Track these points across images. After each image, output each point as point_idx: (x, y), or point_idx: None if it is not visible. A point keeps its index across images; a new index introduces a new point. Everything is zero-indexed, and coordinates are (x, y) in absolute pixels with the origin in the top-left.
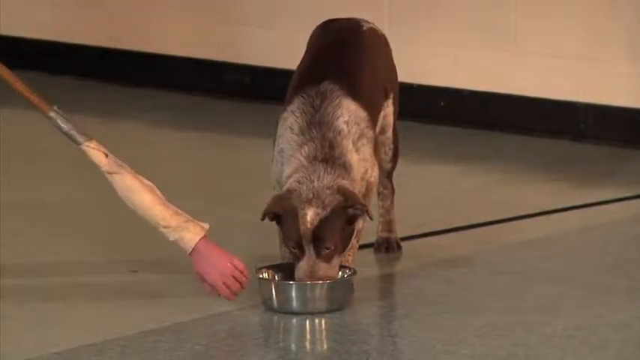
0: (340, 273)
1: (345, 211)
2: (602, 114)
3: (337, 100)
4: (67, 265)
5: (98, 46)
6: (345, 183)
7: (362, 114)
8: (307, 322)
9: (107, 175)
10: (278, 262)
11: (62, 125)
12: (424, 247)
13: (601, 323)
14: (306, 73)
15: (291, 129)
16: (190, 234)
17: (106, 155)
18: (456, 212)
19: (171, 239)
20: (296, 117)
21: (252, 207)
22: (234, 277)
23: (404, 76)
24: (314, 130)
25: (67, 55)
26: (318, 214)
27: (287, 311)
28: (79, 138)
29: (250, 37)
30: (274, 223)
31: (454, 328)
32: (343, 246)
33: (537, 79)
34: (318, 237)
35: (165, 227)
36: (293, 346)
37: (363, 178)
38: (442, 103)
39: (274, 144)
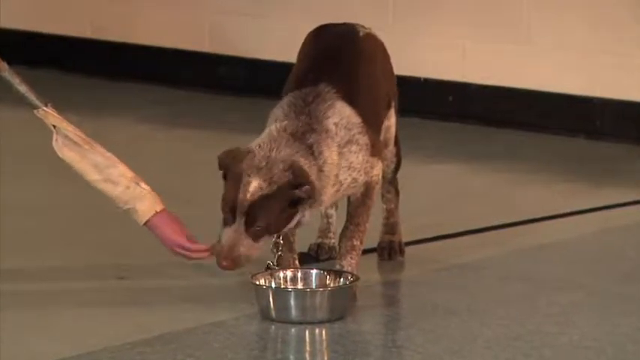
0: (342, 280)
1: (291, 192)
2: (620, 110)
3: (330, 102)
4: (49, 270)
5: (82, 37)
6: (301, 161)
7: (355, 120)
8: (306, 332)
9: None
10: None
11: (18, 87)
12: (430, 252)
13: (619, 333)
14: (302, 77)
15: (276, 119)
16: (145, 205)
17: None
18: (464, 214)
19: (122, 207)
20: (283, 108)
21: None
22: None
23: (409, 70)
24: (301, 117)
25: (49, 46)
26: (261, 188)
27: (285, 320)
28: (37, 102)
29: (244, 27)
30: None
31: (462, 338)
32: (277, 228)
33: (550, 73)
34: (253, 212)
35: (120, 194)
36: (291, 357)
37: (354, 186)
38: (450, 99)
39: None
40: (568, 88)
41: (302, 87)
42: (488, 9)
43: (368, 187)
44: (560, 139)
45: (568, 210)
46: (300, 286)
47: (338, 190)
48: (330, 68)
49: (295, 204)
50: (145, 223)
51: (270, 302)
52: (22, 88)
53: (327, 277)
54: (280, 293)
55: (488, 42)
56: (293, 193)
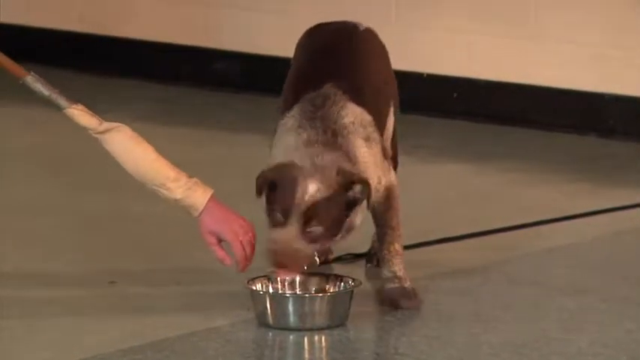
0: (343, 284)
1: (347, 195)
2: (632, 107)
3: (341, 103)
4: (38, 275)
5: (72, 32)
6: (346, 165)
7: (367, 117)
8: (305, 338)
9: (99, 137)
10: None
11: (42, 90)
12: (435, 256)
13: (631, 340)
14: (304, 77)
15: (290, 129)
16: (201, 189)
17: (94, 117)
18: (469, 216)
19: (178, 197)
20: (296, 118)
21: (246, 210)
22: (248, 239)
23: (413, 65)
24: (316, 122)
25: (42, 41)
26: (319, 190)
27: (283, 327)
28: (63, 102)
29: (241, 21)
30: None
31: (468, 344)
32: (333, 232)
33: (560, 69)
34: (310, 213)
35: (174, 181)
36: None
37: (377, 189)
38: (455, 95)
39: (270, 152)
40: (578, 84)
41: (305, 87)
42: (495, 2)
43: (389, 191)
44: (570, 138)
45: (578, 211)
46: (298, 291)
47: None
48: (334, 65)
49: (351, 206)
50: (203, 210)
51: (267, 308)
52: (46, 92)
53: (327, 281)
54: (278, 299)
55: (495, 36)
56: (348, 196)
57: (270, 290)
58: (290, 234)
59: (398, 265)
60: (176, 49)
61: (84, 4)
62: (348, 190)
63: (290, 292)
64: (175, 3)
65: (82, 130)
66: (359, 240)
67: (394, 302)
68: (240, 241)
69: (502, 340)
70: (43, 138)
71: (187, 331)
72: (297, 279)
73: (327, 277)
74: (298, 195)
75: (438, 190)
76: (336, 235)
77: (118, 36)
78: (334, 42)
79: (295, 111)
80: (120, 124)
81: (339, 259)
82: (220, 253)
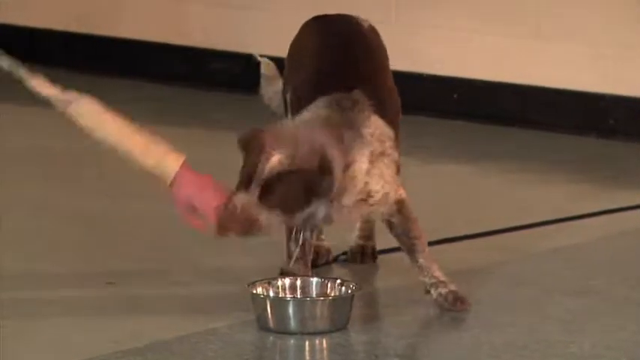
0: (344, 288)
1: (310, 179)
2: (633, 108)
3: (367, 113)
4: (34, 275)
5: (66, 31)
6: (330, 152)
7: (389, 132)
8: (306, 342)
9: (66, 109)
10: (274, 275)
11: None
12: (435, 256)
13: (633, 342)
14: (327, 77)
15: (314, 109)
16: (172, 158)
17: (56, 87)
18: (469, 217)
19: (149, 167)
20: (320, 107)
21: None
22: (227, 215)
23: (412, 65)
24: (338, 115)
25: (33, 41)
26: (280, 163)
27: (284, 331)
28: (24, 74)
29: (239, 20)
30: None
31: (469, 346)
32: (289, 209)
33: (561, 69)
34: (269, 185)
35: (144, 151)
36: None
37: (386, 202)
38: (454, 95)
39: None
40: (579, 84)
41: (330, 87)
42: (495, 2)
43: (400, 204)
44: (571, 138)
45: (579, 212)
46: (299, 294)
47: (366, 201)
48: (355, 71)
49: (311, 192)
50: (173, 180)
51: (268, 312)
52: (6, 64)
53: (328, 285)
54: (278, 302)
55: (495, 36)
56: (312, 181)
57: (271, 294)
58: (249, 202)
59: (437, 270)
60: (171, 49)
61: (80, 4)
62: (315, 176)
63: (291, 296)
64: (171, 3)
65: (46, 100)
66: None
67: (451, 305)
68: (214, 209)
69: (503, 341)
70: (41, 138)
71: (185, 333)
72: (298, 283)
73: (328, 281)
74: (261, 163)
75: (439, 191)
76: (292, 214)
77: (113, 36)
78: (348, 41)
79: (321, 102)
80: (84, 95)
81: (336, 260)
82: (195, 222)
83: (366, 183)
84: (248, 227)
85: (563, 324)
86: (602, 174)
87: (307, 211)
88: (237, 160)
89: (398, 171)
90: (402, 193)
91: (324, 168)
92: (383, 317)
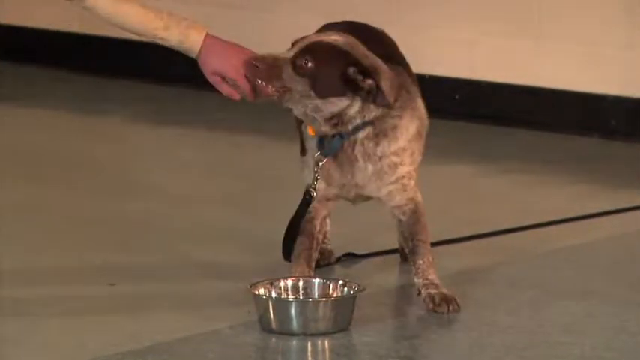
0: (346, 289)
1: (353, 70)
2: (634, 109)
3: (415, 89)
4: (35, 275)
5: (68, 32)
6: (391, 72)
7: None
8: (308, 343)
9: (83, 5)
10: (273, 276)
11: None
12: (436, 258)
13: (634, 343)
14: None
15: None
16: (195, 31)
17: None
18: (471, 218)
19: (174, 42)
20: None
21: (246, 213)
22: (253, 63)
23: (415, 66)
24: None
25: (35, 41)
26: (334, 40)
27: (286, 332)
28: None
29: (239, 19)
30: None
31: (469, 348)
32: (320, 85)
33: (562, 70)
34: (309, 49)
35: (165, 29)
36: None
37: (405, 187)
38: (457, 96)
39: None
40: (580, 85)
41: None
42: (497, 3)
43: (416, 207)
44: (572, 139)
45: (581, 213)
46: (301, 295)
47: (380, 172)
48: (388, 53)
49: (347, 83)
50: (200, 50)
51: (270, 313)
52: None
53: (330, 286)
54: (281, 303)
55: (497, 37)
56: (353, 72)
57: (273, 295)
58: (282, 57)
59: (433, 274)
60: (169, 49)
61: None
62: (359, 72)
63: (293, 296)
64: (168, 3)
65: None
66: (358, 241)
67: (436, 306)
68: (244, 74)
69: (504, 343)
70: (43, 138)
71: (187, 334)
72: (300, 283)
73: (331, 282)
74: (314, 36)
75: (440, 192)
76: (320, 94)
77: (111, 36)
78: (376, 32)
79: None
80: None
81: (338, 261)
82: (226, 89)
83: (403, 149)
84: (273, 75)
85: (564, 325)
86: (604, 175)
87: (338, 102)
88: (239, 160)
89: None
90: (419, 195)
91: (372, 68)
92: (385, 318)
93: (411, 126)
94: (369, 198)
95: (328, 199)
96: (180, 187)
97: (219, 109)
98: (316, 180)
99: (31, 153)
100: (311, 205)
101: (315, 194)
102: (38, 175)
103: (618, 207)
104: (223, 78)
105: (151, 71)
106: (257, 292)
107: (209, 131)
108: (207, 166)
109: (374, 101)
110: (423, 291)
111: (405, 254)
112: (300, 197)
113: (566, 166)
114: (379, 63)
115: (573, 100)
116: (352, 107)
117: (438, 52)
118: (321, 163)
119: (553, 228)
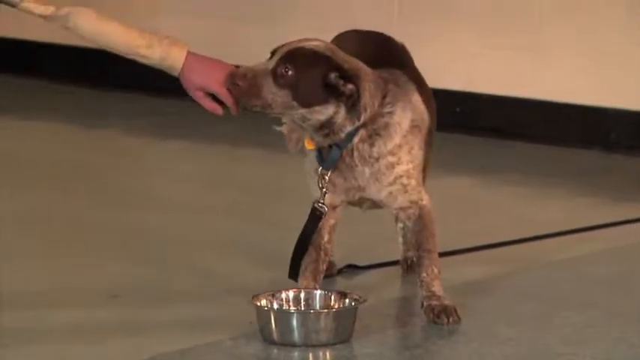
0: (347, 300)
1: (334, 75)
2: (635, 121)
3: (412, 86)
4: (34, 286)
5: (67, 45)
6: (372, 75)
7: (427, 119)
8: (310, 354)
9: (64, 23)
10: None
11: None
12: (440, 275)
13: (635, 354)
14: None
15: None
16: (177, 48)
17: (49, 4)
18: (471, 230)
19: (156, 60)
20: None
21: (248, 225)
22: (233, 81)
23: None
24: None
25: (35, 54)
26: (314, 46)
27: (287, 343)
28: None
29: (242, 33)
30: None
31: (471, 359)
32: (302, 93)
33: (563, 83)
34: (289, 57)
35: (147, 48)
36: None
37: (410, 206)
38: (457, 109)
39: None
40: (581, 98)
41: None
42: (499, 15)
43: (422, 211)
44: (574, 152)
45: (581, 225)
46: (303, 307)
47: (378, 174)
48: (394, 60)
49: (329, 89)
50: (182, 67)
51: (272, 324)
52: None
53: (332, 297)
54: (282, 315)
55: (497, 50)
56: (334, 77)
57: (275, 306)
58: (262, 69)
59: (437, 286)
60: None
61: None
62: (340, 77)
63: (294, 308)
64: (170, 16)
65: (43, 19)
66: (359, 252)
67: (435, 317)
68: (227, 88)
69: (505, 354)
70: (43, 150)
71: (188, 346)
72: (302, 295)
73: (332, 294)
74: (294, 42)
75: (440, 204)
76: (303, 101)
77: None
78: (384, 39)
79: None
80: (78, 6)
81: (340, 272)
82: (209, 104)
83: (399, 146)
84: (252, 90)
85: (565, 337)
86: (604, 188)
87: (320, 109)
88: (240, 172)
89: (424, 178)
90: (425, 198)
91: (352, 73)
92: (386, 329)
93: (403, 121)
94: (375, 203)
95: (335, 207)
96: (182, 198)
97: (220, 122)
98: (324, 196)
99: (31, 163)
100: (321, 222)
101: (325, 210)
102: (38, 185)
103: (619, 219)
104: (206, 93)
105: (152, 84)
106: (259, 304)
107: (210, 144)
108: (209, 179)
109: (354, 106)
110: (424, 303)
111: (407, 266)
112: (303, 208)
113: (567, 179)
114: (360, 65)
115: (573, 113)
116: (339, 114)
117: (438, 64)
118: (326, 177)
119: (553, 240)
